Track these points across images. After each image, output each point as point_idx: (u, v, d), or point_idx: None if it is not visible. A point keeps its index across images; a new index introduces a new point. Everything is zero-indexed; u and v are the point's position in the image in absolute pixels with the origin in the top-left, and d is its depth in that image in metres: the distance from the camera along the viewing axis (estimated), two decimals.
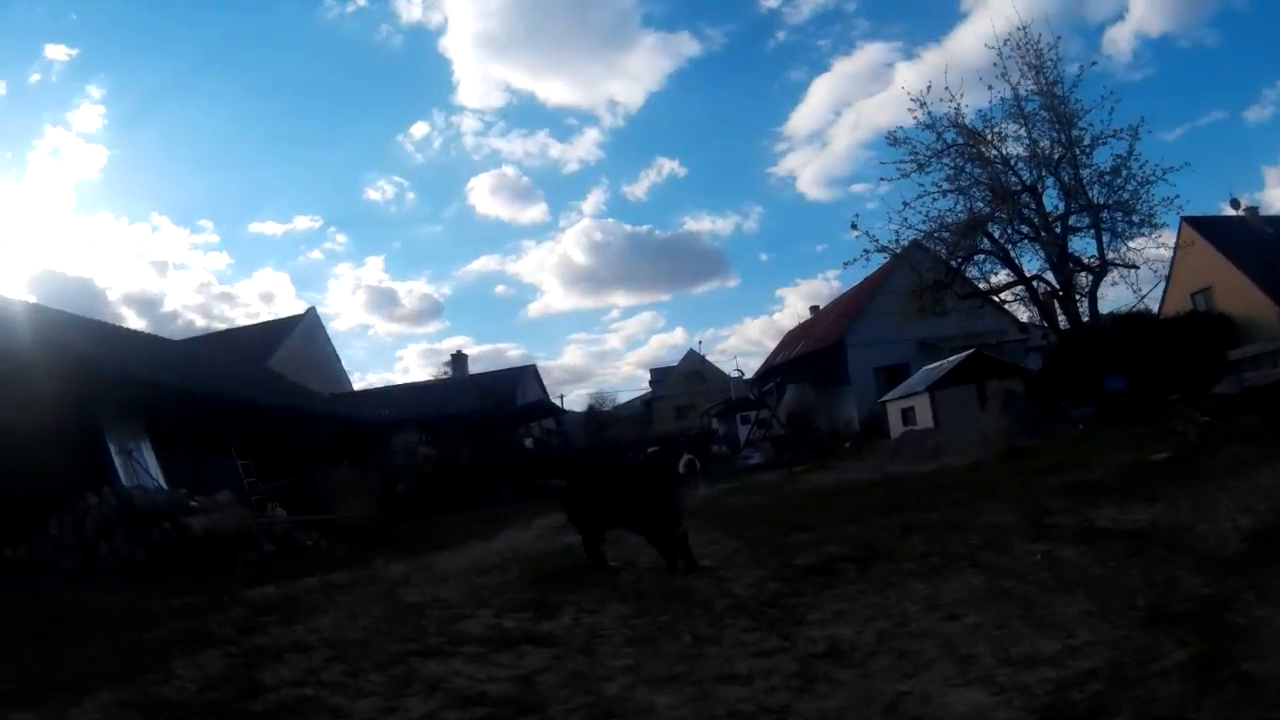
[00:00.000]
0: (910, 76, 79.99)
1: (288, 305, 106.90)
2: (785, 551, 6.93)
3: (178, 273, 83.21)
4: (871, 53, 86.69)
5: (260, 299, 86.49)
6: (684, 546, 6.72)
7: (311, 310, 33.12)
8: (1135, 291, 19.28)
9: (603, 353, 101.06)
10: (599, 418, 55.47)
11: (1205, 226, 29.29)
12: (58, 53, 75.44)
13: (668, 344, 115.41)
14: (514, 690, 3.98)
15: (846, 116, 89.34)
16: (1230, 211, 33.24)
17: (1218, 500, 6.14)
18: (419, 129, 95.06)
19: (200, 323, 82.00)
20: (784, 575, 6.03)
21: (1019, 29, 18.29)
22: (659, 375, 62.42)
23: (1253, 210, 33.84)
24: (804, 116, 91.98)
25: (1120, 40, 77.18)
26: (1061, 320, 19.04)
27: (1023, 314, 21.42)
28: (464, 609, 5.97)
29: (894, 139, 19.27)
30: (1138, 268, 18.54)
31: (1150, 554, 5.09)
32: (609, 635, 4.91)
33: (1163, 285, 23.28)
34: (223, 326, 48.10)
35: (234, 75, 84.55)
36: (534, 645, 4.77)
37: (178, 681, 4.28)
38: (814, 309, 47.00)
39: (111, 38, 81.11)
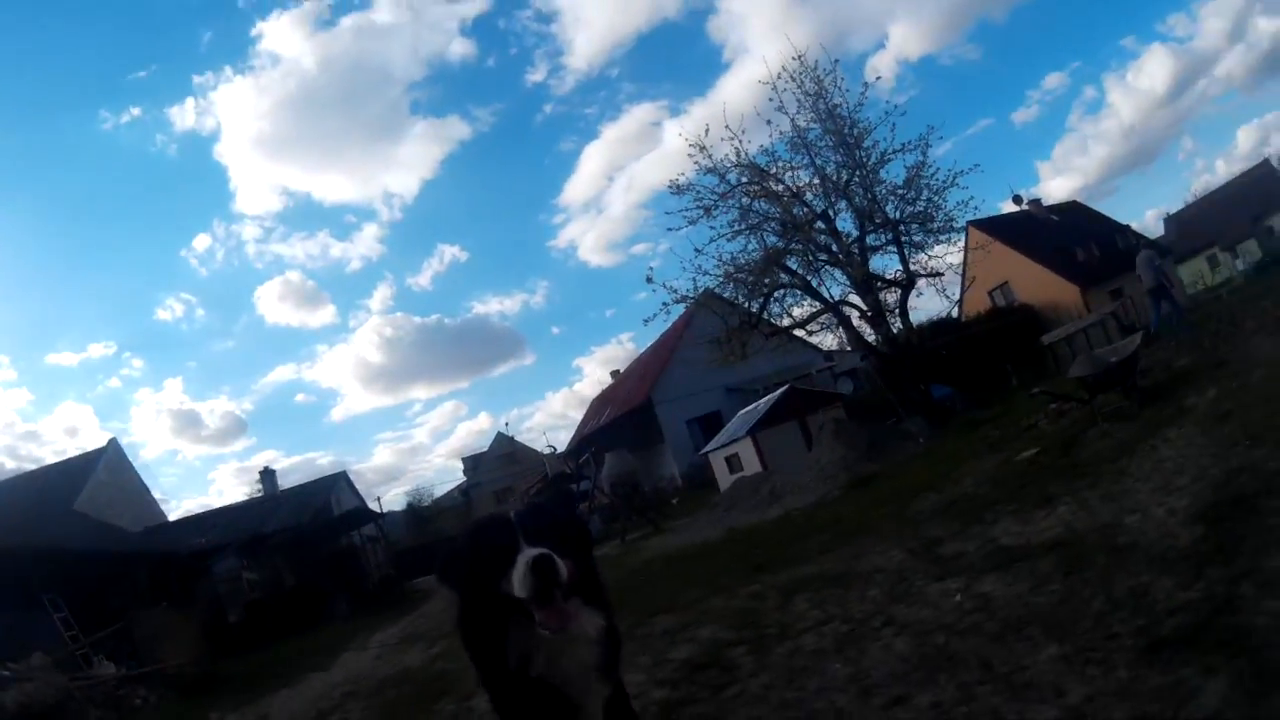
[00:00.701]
0: (680, 131, 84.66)
1: (93, 438, 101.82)
2: (655, 643, 5.92)
3: None
4: (639, 114, 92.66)
5: (65, 434, 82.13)
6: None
7: (113, 441, 31.56)
8: (946, 297, 20.16)
9: (412, 448, 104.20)
10: (420, 514, 54.55)
11: (992, 226, 32.20)
12: None
13: (475, 430, 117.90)
14: None
15: (619, 180, 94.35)
16: (1014, 208, 37.01)
17: (1129, 487, 5.72)
18: (201, 241, 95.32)
19: (10, 465, 75.50)
20: (665, 677, 5.01)
21: (795, 58, 18.80)
22: (472, 463, 63.41)
23: (1036, 203, 38.04)
24: (578, 185, 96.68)
25: (883, 68, 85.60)
26: (873, 339, 19.47)
27: (829, 341, 21.85)
28: None
29: (677, 188, 19.32)
30: (943, 274, 19.38)
31: (1092, 565, 4.46)
32: None
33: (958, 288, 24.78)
34: (32, 467, 44.22)
35: (12, 196, 78.86)
36: None
37: None
38: (615, 373, 48.45)
39: None
